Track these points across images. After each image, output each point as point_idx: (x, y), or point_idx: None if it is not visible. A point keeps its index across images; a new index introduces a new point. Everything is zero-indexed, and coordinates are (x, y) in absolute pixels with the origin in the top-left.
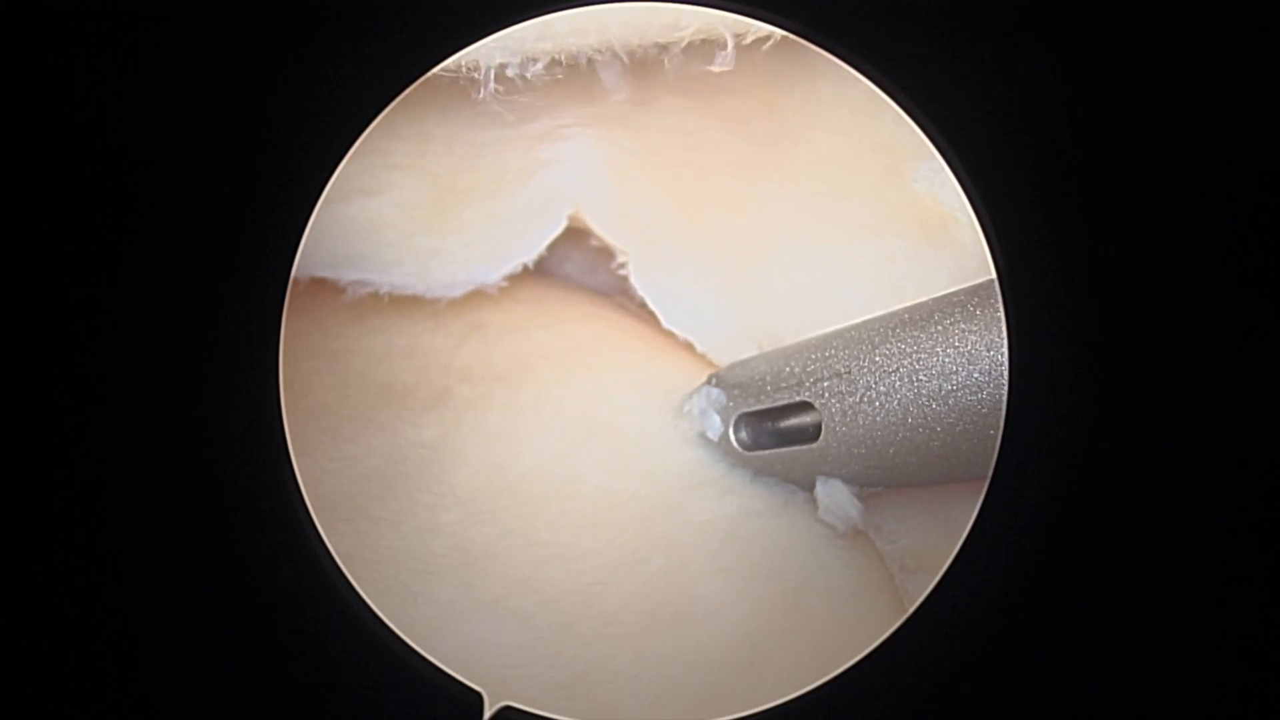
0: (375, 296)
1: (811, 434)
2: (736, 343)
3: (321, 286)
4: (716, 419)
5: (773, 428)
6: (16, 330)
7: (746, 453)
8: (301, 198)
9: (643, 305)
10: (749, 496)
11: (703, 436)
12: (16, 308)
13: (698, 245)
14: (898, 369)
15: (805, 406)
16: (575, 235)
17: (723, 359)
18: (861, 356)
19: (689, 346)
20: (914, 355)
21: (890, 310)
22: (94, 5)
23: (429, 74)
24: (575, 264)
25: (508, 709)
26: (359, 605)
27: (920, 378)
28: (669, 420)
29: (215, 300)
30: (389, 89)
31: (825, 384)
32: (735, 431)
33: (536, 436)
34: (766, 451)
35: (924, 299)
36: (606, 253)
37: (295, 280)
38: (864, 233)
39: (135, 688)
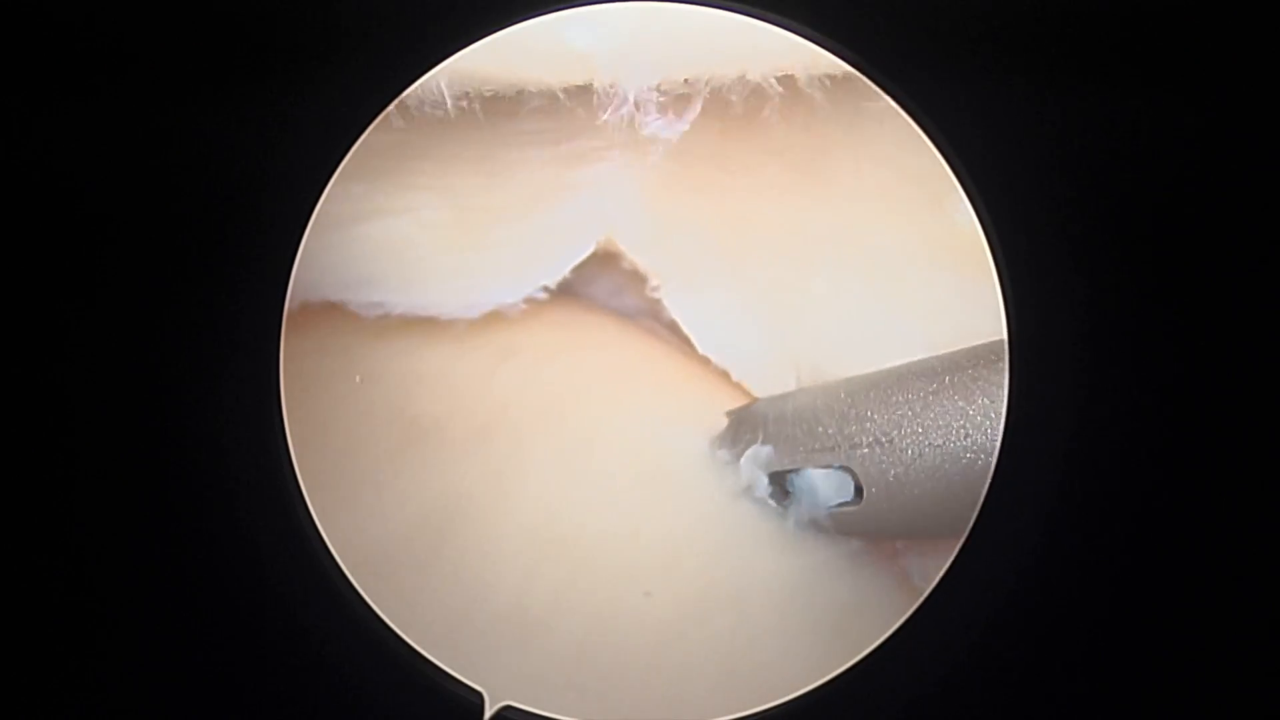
0: (387, 318)
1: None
2: (774, 371)
3: (334, 311)
4: (764, 479)
5: None
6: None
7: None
8: (296, 212)
9: (674, 328)
10: (800, 553)
11: (749, 490)
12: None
13: (734, 271)
14: (942, 442)
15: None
16: (605, 257)
17: (759, 387)
18: (904, 424)
19: (724, 374)
20: (959, 424)
21: (927, 362)
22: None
23: (426, 75)
24: (603, 286)
25: (508, 709)
26: (360, 605)
27: (954, 440)
28: (713, 466)
29: (209, 331)
30: (386, 92)
31: (865, 452)
32: (774, 487)
33: (586, 484)
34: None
35: (962, 348)
36: (638, 276)
37: (306, 304)
38: (904, 262)
39: (137, 690)
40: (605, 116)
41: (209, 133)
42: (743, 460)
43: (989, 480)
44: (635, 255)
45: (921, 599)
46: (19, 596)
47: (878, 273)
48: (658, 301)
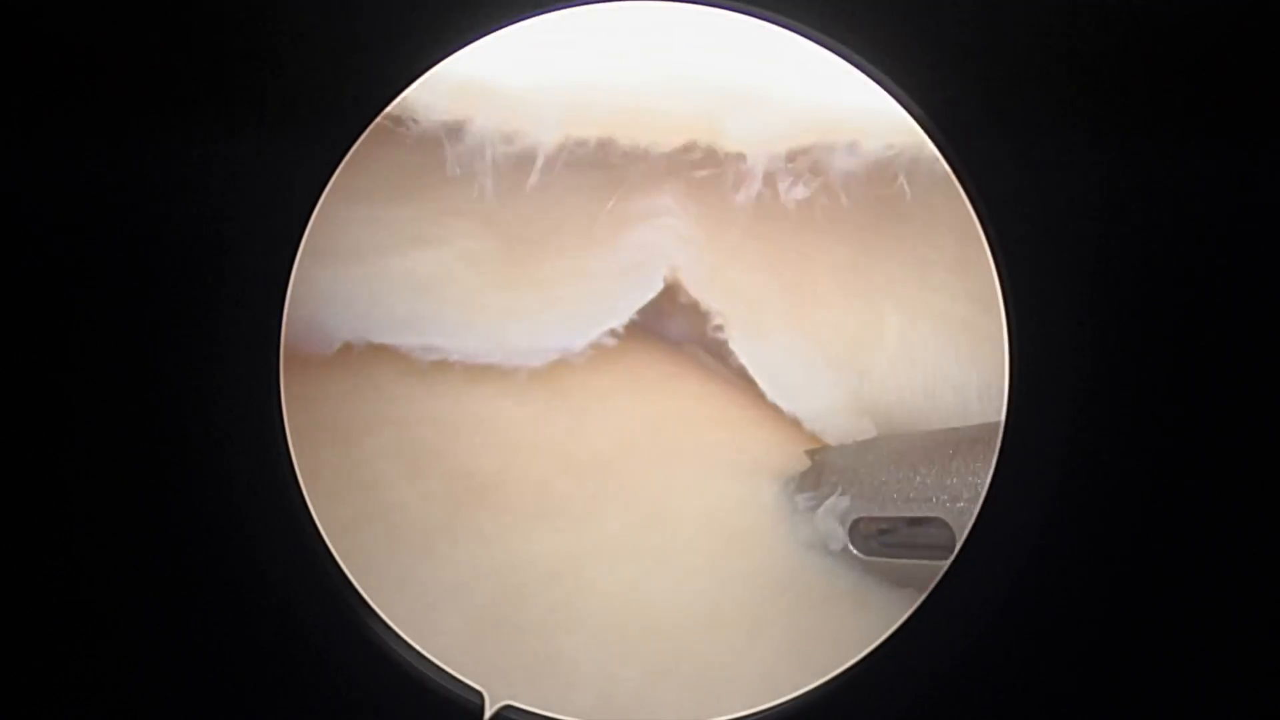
0: (446, 364)
1: (942, 549)
2: (847, 421)
3: (382, 354)
4: (841, 531)
5: (896, 538)
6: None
7: (866, 558)
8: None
9: (741, 372)
10: (871, 609)
11: (824, 544)
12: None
13: (800, 312)
14: None
15: (939, 522)
16: (667, 295)
17: (832, 437)
18: None
19: (795, 423)
20: None
21: None
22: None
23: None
24: (667, 327)
25: (508, 709)
26: (360, 604)
27: None
28: (785, 516)
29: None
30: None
31: (963, 505)
32: (852, 534)
33: (662, 549)
34: (887, 560)
35: None
36: (698, 312)
37: (350, 346)
38: (982, 308)
39: (136, 689)
40: (739, 197)
41: (200, 139)
42: (820, 510)
43: (988, 481)
44: (698, 292)
45: (921, 599)
46: (19, 601)
47: (953, 317)
48: (723, 343)
